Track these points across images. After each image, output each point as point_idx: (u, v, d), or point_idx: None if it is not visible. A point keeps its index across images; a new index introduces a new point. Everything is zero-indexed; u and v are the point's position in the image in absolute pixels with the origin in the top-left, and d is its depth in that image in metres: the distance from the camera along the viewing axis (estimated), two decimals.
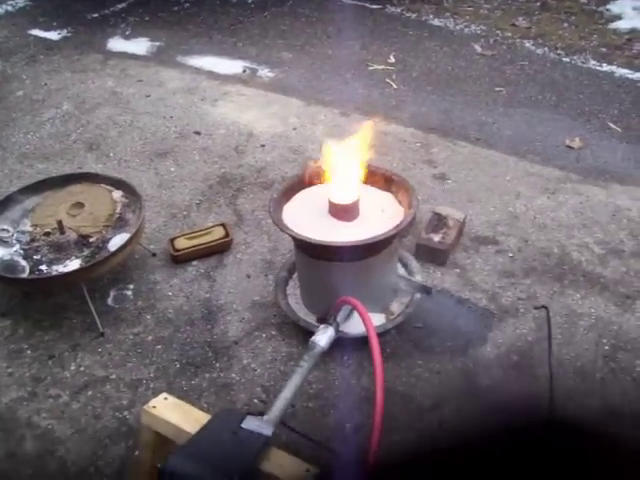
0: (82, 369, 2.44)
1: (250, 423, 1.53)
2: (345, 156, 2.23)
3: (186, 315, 2.62)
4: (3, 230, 2.63)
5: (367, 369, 2.32)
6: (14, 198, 2.76)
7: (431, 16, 5.07)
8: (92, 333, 2.56)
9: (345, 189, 2.22)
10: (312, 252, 2.26)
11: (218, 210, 3.15)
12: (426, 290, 2.41)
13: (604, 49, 4.48)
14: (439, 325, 2.50)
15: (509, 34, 4.74)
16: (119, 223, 2.66)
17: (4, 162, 3.59)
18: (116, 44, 4.87)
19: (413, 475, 0.86)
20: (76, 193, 2.75)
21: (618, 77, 4.14)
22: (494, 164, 3.38)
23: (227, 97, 4.09)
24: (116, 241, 2.55)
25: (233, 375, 2.37)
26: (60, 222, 2.54)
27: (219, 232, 2.90)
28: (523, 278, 2.70)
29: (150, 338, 2.54)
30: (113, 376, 2.41)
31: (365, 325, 1.74)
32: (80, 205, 2.69)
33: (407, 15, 5.11)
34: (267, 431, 1.51)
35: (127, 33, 5.02)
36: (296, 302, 2.52)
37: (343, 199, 2.20)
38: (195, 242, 2.86)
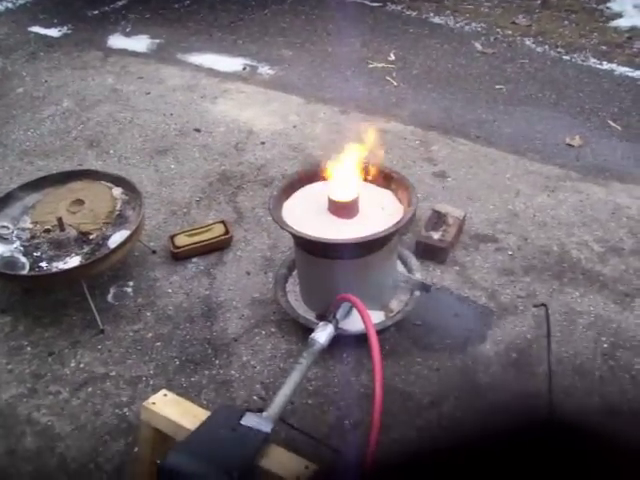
0: (82, 366, 2.44)
1: (249, 420, 1.53)
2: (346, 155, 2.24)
3: (186, 312, 2.62)
4: (3, 227, 2.63)
5: (366, 366, 2.32)
6: (14, 195, 2.76)
7: (431, 14, 5.07)
8: (92, 330, 2.57)
9: (345, 186, 2.23)
10: (312, 249, 2.26)
11: (218, 207, 3.15)
12: (425, 288, 2.41)
13: (604, 47, 4.48)
14: (438, 323, 2.50)
15: (509, 32, 4.74)
16: (119, 220, 2.67)
17: (4, 159, 3.59)
18: (116, 41, 4.87)
19: (412, 475, 0.86)
20: (76, 190, 2.76)
21: (618, 75, 4.14)
22: (494, 162, 3.38)
23: (227, 94, 4.09)
24: (116, 238, 2.55)
25: (232, 372, 2.38)
26: (60, 219, 2.54)
27: (219, 229, 2.91)
28: (522, 276, 2.70)
29: (150, 335, 2.54)
30: (113, 373, 2.41)
31: (364, 322, 1.75)
32: (80, 202, 2.69)
33: (407, 13, 5.11)
34: (266, 428, 1.52)
35: (127, 30, 5.02)
36: (295, 299, 2.52)
37: (343, 196, 2.21)
38: (195, 239, 2.86)
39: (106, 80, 4.32)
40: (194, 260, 2.86)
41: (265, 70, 4.39)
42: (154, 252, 2.90)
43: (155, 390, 1.91)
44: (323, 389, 2.29)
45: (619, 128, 3.63)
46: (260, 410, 1.60)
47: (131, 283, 2.77)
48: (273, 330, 2.52)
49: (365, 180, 2.33)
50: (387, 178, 2.34)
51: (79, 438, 2.20)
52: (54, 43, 4.86)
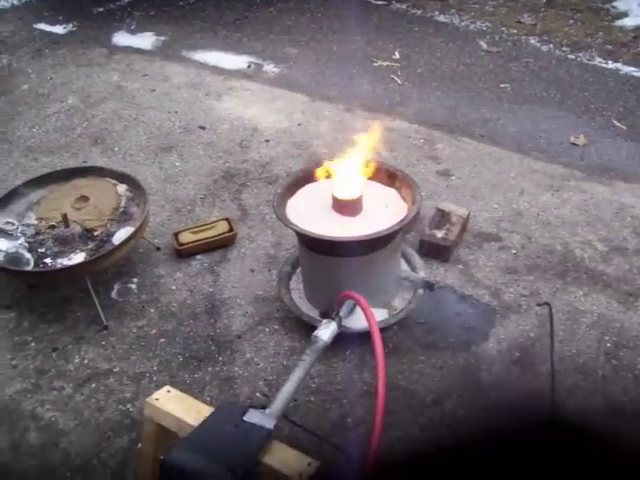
0: (86, 362, 2.45)
1: (252, 416, 1.54)
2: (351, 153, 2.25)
3: (190, 309, 2.63)
4: (8, 223, 2.64)
5: (369, 364, 2.32)
6: (19, 191, 2.77)
7: (436, 12, 5.07)
8: (96, 326, 2.57)
9: (349, 184, 2.23)
10: (315, 247, 2.26)
11: (222, 205, 3.16)
12: (429, 286, 2.42)
13: (610, 46, 4.47)
14: (441, 321, 2.50)
15: (514, 31, 4.74)
16: (123, 217, 2.68)
17: (10, 155, 3.60)
18: (121, 38, 4.88)
19: (415, 475, 0.86)
20: (81, 187, 2.77)
21: (623, 74, 4.14)
22: (498, 161, 3.38)
23: (232, 92, 4.10)
24: (120, 235, 2.56)
25: (236, 369, 2.38)
26: (65, 215, 2.55)
27: (223, 226, 2.91)
28: (526, 275, 2.70)
29: (154, 331, 2.55)
30: (116, 369, 2.42)
31: (368, 320, 1.75)
32: (85, 199, 2.70)
33: (412, 11, 5.11)
34: (269, 424, 1.52)
35: (132, 28, 5.03)
36: (299, 297, 2.52)
37: (347, 194, 2.21)
38: (199, 236, 2.87)
39: (111, 77, 4.33)
40: (198, 257, 2.86)
41: (270, 68, 4.39)
42: (158, 249, 2.91)
43: (159, 386, 1.92)
44: (326, 386, 2.30)
45: (624, 127, 3.63)
46: (263, 407, 1.60)
47: (135, 280, 2.78)
48: (276, 327, 2.53)
49: (369, 178, 2.33)
50: (391, 176, 2.35)
51: (83, 434, 2.20)
52: (59, 40, 4.87)
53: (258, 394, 2.28)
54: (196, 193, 3.24)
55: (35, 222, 2.66)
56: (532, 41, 4.59)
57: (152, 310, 2.64)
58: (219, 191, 3.25)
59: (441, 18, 5.00)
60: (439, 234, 2.76)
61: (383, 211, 2.25)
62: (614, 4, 5.02)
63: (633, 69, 4.18)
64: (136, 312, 2.63)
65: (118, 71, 4.40)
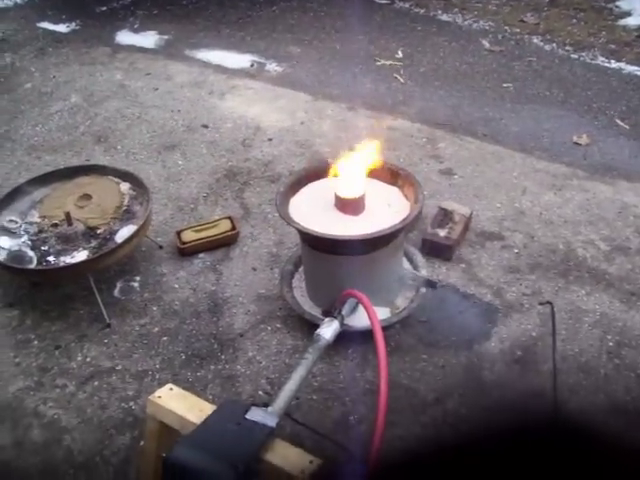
0: (88, 360, 2.46)
1: (254, 414, 1.54)
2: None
3: (192, 307, 2.64)
4: (11, 221, 2.65)
5: (371, 362, 2.32)
6: (22, 189, 2.78)
7: (439, 11, 5.07)
8: (99, 324, 2.58)
9: (351, 183, 2.23)
10: (318, 245, 2.27)
11: (225, 203, 3.16)
12: (431, 285, 2.42)
13: (613, 46, 4.47)
14: (444, 320, 2.50)
15: (517, 30, 4.73)
16: (126, 215, 2.68)
17: (13, 154, 3.61)
18: (124, 37, 4.88)
19: (417, 474, 0.86)
20: (84, 185, 2.77)
21: (626, 74, 4.13)
22: (501, 160, 3.38)
23: (235, 91, 4.10)
24: (123, 233, 2.56)
25: (238, 367, 2.39)
26: (68, 213, 2.55)
27: (226, 225, 2.92)
28: (528, 274, 2.70)
29: (156, 330, 2.55)
30: (119, 367, 2.42)
31: (370, 319, 1.75)
32: (88, 197, 2.70)
33: (415, 10, 5.11)
34: (271, 422, 1.52)
35: (135, 26, 5.03)
36: (301, 295, 2.53)
37: (349, 193, 2.21)
38: (202, 235, 2.87)
39: (114, 76, 4.34)
40: (201, 256, 2.87)
41: (273, 67, 4.39)
42: (161, 247, 2.91)
43: (161, 384, 1.92)
44: (328, 385, 2.30)
45: (627, 127, 3.62)
46: (265, 405, 1.60)
47: (138, 278, 2.78)
48: (279, 326, 2.53)
49: (372, 177, 2.34)
50: (394, 175, 2.35)
51: (85, 431, 2.21)
52: (62, 39, 4.87)
53: (260, 392, 2.28)
54: (199, 192, 3.25)
55: (38, 220, 2.67)
56: (535, 40, 4.59)
57: (155, 308, 2.64)
58: (222, 190, 3.25)
59: (444, 17, 5.00)
60: (442, 233, 2.76)
61: (386, 210, 2.25)
62: (617, 3, 5.01)
63: (636, 68, 4.18)
64: (139, 310, 2.64)
65: (121, 70, 4.41)
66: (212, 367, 2.40)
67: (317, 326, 1.95)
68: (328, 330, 1.90)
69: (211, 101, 4.00)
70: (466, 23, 4.89)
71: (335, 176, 2.30)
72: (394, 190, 2.34)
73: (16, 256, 2.51)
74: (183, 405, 1.63)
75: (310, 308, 2.45)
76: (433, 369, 2.34)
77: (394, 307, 2.43)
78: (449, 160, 3.39)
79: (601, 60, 4.31)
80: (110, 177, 2.83)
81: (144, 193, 2.72)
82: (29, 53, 4.70)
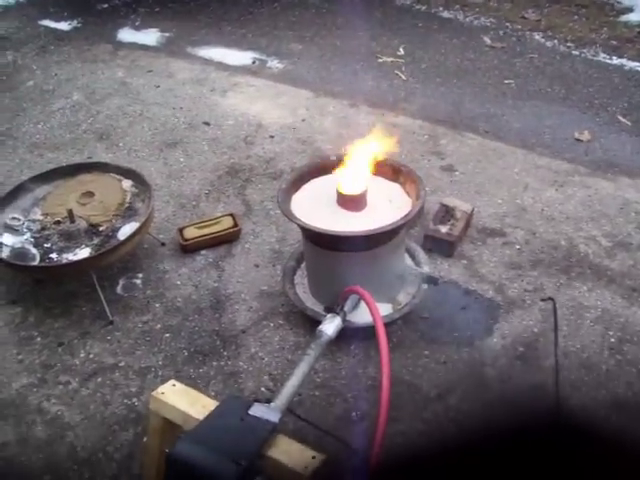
0: (91, 356, 2.47)
1: (257, 410, 1.54)
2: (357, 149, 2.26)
3: (194, 304, 2.64)
4: (14, 219, 2.66)
5: (374, 359, 2.33)
6: (25, 187, 2.79)
7: (441, 8, 5.06)
8: (101, 321, 2.59)
9: (353, 180, 2.23)
10: (320, 242, 2.27)
11: (227, 200, 3.17)
12: (433, 281, 2.42)
13: (614, 42, 4.46)
14: (446, 316, 2.51)
15: (519, 26, 4.73)
16: (129, 212, 2.69)
17: (15, 151, 3.62)
18: (126, 35, 4.88)
19: (418, 474, 0.87)
20: (86, 182, 2.78)
21: (628, 70, 4.13)
22: (502, 156, 3.38)
23: (236, 88, 4.10)
24: (126, 230, 2.57)
25: (241, 363, 2.39)
26: (70, 211, 2.56)
27: (228, 222, 2.92)
28: (530, 270, 2.71)
29: (159, 326, 2.56)
30: (122, 364, 2.43)
31: (372, 315, 1.76)
32: (90, 194, 2.71)
33: (417, 7, 5.10)
34: (274, 418, 1.53)
35: (137, 24, 5.03)
36: (304, 291, 2.53)
37: (351, 190, 2.22)
38: (204, 232, 2.88)
39: (116, 73, 4.34)
40: (203, 252, 2.87)
41: (274, 64, 4.39)
42: (163, 244, 2.92)
43: (164, 381, 1.92)
44: (330, 381, 2.31)
45: (628, 123, 3.62)
46: (268, 401, 1.61)
47: (140, 275, 2.79)
48: (281, 322, 2.54)
49: (374, 173, 2.34)
50: (395, 171, 2.35)
51: (89, 427, 2.22)
52: (64, 36, 4.87)
53: (263, 389, 2.29)
54: (201, 189, 3.25)
55: (41, 217, 2.68)
56: (536, 37, 4.58)
57: (157, 305, 2.65)
58: (224, 187, 3.26)
59: (445, 14, 4.99)
60: (443, 229, 2.76)
61: (387, 206, 2.25)
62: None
63: (638, 64, 4.17)
64: (141, 307, 2.65)
65: (123, 67, 4.41)
66: (214, 363, 2.40)
67: (319, 322, 1.96)
68: (330, 326, 1.90)
69: (213, 98, 4.01)
70: (467, 20, 4.88)
71: (337, 173, 2.31)
72: (396, 186, 2.34)
73: (19, 253, 2.52)
74: (186, 401, 1.64)
75: (312, 304, 2.46)
76: (435, 365, 2.35)
77: (396, 303, 2.44)
78: (450, 156, 3.39)
79: (603, 56, 4.31)
80: (112, 174, 2.84)
81: (146, 190, 2.73)
82: (31, 51, 4.70)
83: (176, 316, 2.60)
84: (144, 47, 4.68)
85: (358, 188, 2.21)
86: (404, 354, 2.38)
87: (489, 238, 2.87)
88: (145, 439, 1.84)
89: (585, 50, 4.38)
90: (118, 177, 2.82)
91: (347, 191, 2.22)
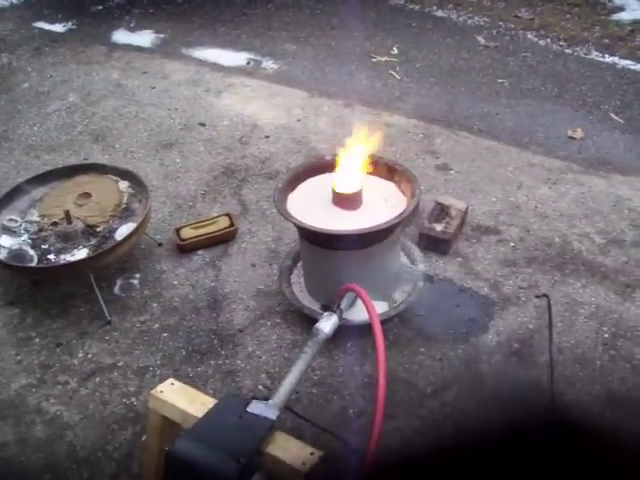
0: (90, 356, 2.48)
1: (256, 407, 1.56)
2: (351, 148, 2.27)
3: (192, 303, 2.66)
4: (11, 220, 2.67)
5: (370, 356, 2.35)
6: (22, 189, 2.79)
7: (434, 8, 5.08)
8: (99, 321, 2.60)
9: (348, 179, 2.25)
10: (316, 241, 2.29)
11: (223, 200, 3.18)
12: (428, 279, 2.44)
13: (607, 40, 4.48)
14: (441, 313, 2.52)
15: (512, 25, 4.75)
16: (125, 213, 2.70)
17: (11, 153, 3.62)
18: (121, 36, 4.89)
19: (414, 475, 0.88)
20: (83, 183, 2.79)
21: (620, 68, 4.16)
22: (496, 155, 3.40)
23: (231, 89, 4.12)
24: (123, 231, 2.58)
25: (238, 362, 2.41)
26: (67, 212, 2.57)
27: (224, 222, 2.94)
28: (524, 267, 2.73)
29: (156, 326, 2.58)
30: (120, 363, 2.44)
31: (368, 313, 1.77)
32: (87, 195, 2.72)
33: (410, 7, 5.12)
34: (272, 415, 1.54)
35: (131, 25, 5.04)
36: (300, 290, 2.55)
37: (347, 189, 2.23)
38: (200, 232, 2.89)
39: (111, 75, 4.35)
40: (200, 252, 2.89)
41: (269, 64, 4.41)
42: (160, 245, 2.93)
43: (162, 380, 1.92)
44: (327, 378, 2.33)
45: (621, 121, 3.65)
46: (266, 398, 1.62)
47: (137, 275, 2.80)
48: (278, 321, 2.55)
49: (369, 172, 2.36)
50: (390, 170, 2.37)
51: (87, 427, 2.23)
52: (59, 38, 4.88)
53: (260, 387, 2.30)
54: (197, 189, 3.27)
55: (38, 219, 2.69)
56: (529, 36, 4.61)
57: (155, 305, 2.66)
58: (220, 187, 3.27)
59: (439, 13, 5.01)
60: (438, 227, 2.78)
61: (382, 205, 2.27)
62: None
63: (630, 63, 4.20)
64: (139, 307, 2.66)
65: (118, 69, 4.42)
66: (212, 362, 2.42)
67: (316, 320, 1.97)
68: (327, 324, 1.92)
69: (208, 99, 4.02)
70: (461, 19, 4.90)
71: (332, 172, 2.32)
72: (391, 185, 2.36)
73: (17, 255, 2.53)
74: (185, 399, 1.65)
75: (309, 303, 2.48)
76: (431, 362, 2.37)
77: (392, 301, 2.46)
78: (445, 155, 3.41)
79: (595, 55, 4.33)
80: (109, 175, 2.85)
81: (143, 191, 2.74)
82: (26, 53, 4.70)
83: (173, 316, 2.61)
84: (139, 48, 4.69)
85: (353, 187, 2.23)
86: (400, 351, 2.40)
87: (484, 236, 2.89)
88: (144, 438, 1.85)
89: (578, 49, 4.41)
90: (115, 178, 2.84)
91: (342, 190, 2.23)
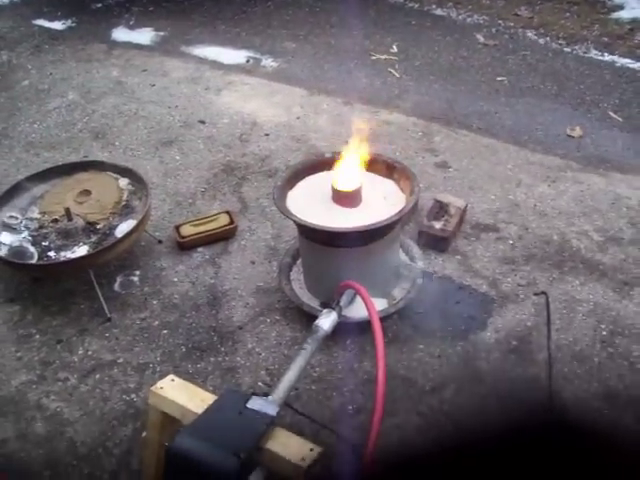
0: (90, 353, 2.49)
1: (255, 403, 1.56)
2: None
3: (191, 300, 2.67)
4: (12, 217, 2.67)
5: (369, 353, 2.36)
6: (22, 186, 2.80)
7: (434, 6, 5.08)
8: (99, 318, 2.61)
9: (348, 176, 2.26)
10: (315, 238, 2.30)
11: (223, 198, 3.19)
12: (428, 276, 2.45)
13: (606, 39, 4.49)
14: (440, 310, 2.53)
15: (511, 24, 4.75)
16: (125, 210, 2.71)
17: (11, 151, 3.63)
18: (120, 34, 4.89)
19: (413, 474, 0.88)
20: (83, 181, 2.80)
21: (619, 67, 4.16)
22: (495, 152, 3.41)
23: (231, 86, 4.12)
24: (123, 228, 2.59)
25: (238, 359, 2.42)
26: (68, 209, 2.58)
27: (224, 219, 2.94)
28: (523, 265, 2.74)
29: (156, 323, 2.58)
30: (120, 360, 2.45)
31: (368, 310, 1.78)
32: (87, 192, 2.73)
33: (410, 5, 5.12)
34: (272, 411, 1.55)
35: (131, 23, 5.04)
36: (300, 287, 2.56)
37: (346, 186, 2.24)
38: (200, 229, 2.90)
39: (111, 73, 4.35)
40: (199, 250, 2.90)
41: (269, 62, 4.41)
42: (160, 242, 2.94)
43: (162, 377, 1.93)
44: (327, 375, 2.33)
45: (620, 119, 3.65)
46: (266, 395, 1.63)
47: (137, 272, 2.81)
48: (278, 318, 2.56)
49: (368, 170, 2.36)
50: (390, 168, 2.38)
51: (88, 423, 2.24)
52: (58, 36, 4.88)
53: (260, 383, 2.31)
54: (197, 186, 3.27)
55: (38, 216, 2.69)
56: (529, 34, 4.61)
57: (155, 302, 2.67)
58: (219, 184, 3.28)
59: (438, 11, 5.01)
60: (437, 225, 2.79)
61: (382, 202, 2.28)
62: None
63: (629, 61, 4.20)
64: (139, 304, 2.67)
65: (118, 66, 4.42)
66: (212, 359, 2.43)
67: (315, 317, 1.98)
68: (326, 321, 1.92)
69: (207, 97, 4.02)
70: (460, 17, 4.90)
71: (332, 169, 2.33)
72: (390, 183, 2.37)
73: (17, 252, 2.54)
74: (185, 395, 1.66)
75: (308, 300, 2.49)
76: (430, 359, 2.38)
77: (391, 298, 2.47)
78: (444, 153, 3.41)
79: (594, 53, 4.34)
80: (109, 173, 2.85)
81: (143, 188, 2.75)
82: (25, 50, 4.71)
83: (173, 313, 2.62)
84: (138, 46, 4.69)
85: (353, 184, 2.24)
86: (399, 348, 2.41)
87: (483, 233, 2.90)
88: (144, 434, 1.86)
89: (577, 47, 4.41)
90: (115, 176, 2.84)
91: (342, 187, 2.24)
